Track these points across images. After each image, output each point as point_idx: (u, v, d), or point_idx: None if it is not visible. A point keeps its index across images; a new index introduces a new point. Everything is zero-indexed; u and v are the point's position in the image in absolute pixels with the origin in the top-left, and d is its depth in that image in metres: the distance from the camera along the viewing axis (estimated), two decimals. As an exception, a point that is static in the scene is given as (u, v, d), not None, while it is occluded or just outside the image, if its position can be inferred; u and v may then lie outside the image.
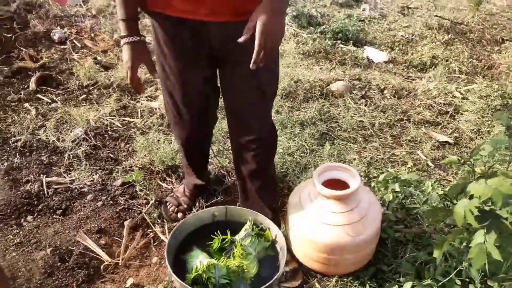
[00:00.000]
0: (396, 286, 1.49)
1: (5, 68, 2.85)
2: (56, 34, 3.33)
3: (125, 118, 2.45)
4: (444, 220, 1.44)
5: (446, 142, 2.43)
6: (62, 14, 3.62)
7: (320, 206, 1.53)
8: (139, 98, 2.65)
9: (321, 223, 1.50)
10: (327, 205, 1.52)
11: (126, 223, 1.73)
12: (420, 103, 2.80)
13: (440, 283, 1.44)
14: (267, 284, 1.22)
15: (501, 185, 1.09)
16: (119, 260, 1.61)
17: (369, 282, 1.53)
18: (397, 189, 1.82)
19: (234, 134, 1.53)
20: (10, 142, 2.19)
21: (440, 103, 2.79)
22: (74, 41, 3.31)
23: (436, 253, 1.34)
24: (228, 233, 1.40)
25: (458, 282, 1.44)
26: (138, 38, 1.28)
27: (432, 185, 1.95)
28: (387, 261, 1.61)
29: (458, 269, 1.43)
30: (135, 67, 1.29)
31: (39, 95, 2.63)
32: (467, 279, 1.44)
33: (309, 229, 1.51)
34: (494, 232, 1.20)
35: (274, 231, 1.45)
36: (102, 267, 1.59)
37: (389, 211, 1.81)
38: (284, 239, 1.41)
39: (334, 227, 1.49)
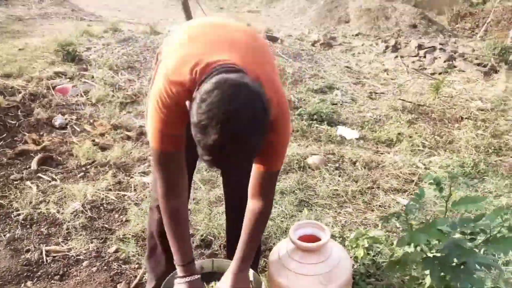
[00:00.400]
0: (369, 332, 1.63)
1: (9, 151, 3.11)
2: (58, 120, 3.66)
3: (119, 192, 2.68)
4: (401, 271, 1.64)
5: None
6: (64, 103, 3.99)
7: (296, 258, 1.72)
8: (133, 174, 2.90)
9: (297, 273, 1.68)
10: (303, 257, 1.71)
11: (119, 286, 1.87)
12: (388, 173, 3.11)
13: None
14: None
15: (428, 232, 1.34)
16: (112, 320, 1.73)
17: (344, 330, 1.66)
18: (366, 245, 2.03)
19: (232, 205, 1.75)
20: (12, 216, 2.37)
21: (406, 173, 3.10)
22: (74, 126, 3.64)
23: None
24: (214, 283, 1.57)
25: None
26: (197, 276, 1.44)
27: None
28: (360, 310, 1.76)
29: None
30: None
31: (40, 174, 2.86)
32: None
33: (287, 280, 1.68)
34: (437, 273, 1.42)
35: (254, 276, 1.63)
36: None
37: (361, 266, 1.99)
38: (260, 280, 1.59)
39: (309, 277, 1.66)
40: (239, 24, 1.49)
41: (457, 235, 1.58)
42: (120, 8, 11.98)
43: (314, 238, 1.79)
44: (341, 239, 2.26)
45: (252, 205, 1.47)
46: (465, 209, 1.57)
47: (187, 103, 1.12)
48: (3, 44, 6.13)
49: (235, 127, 1.02)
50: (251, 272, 1.64)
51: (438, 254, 1.49)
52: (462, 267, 1.45)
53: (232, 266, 1.49)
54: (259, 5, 14.71)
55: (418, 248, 1.49)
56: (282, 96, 1.33)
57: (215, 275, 1.64)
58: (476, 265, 1.47)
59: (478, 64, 6.75)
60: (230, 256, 1.70)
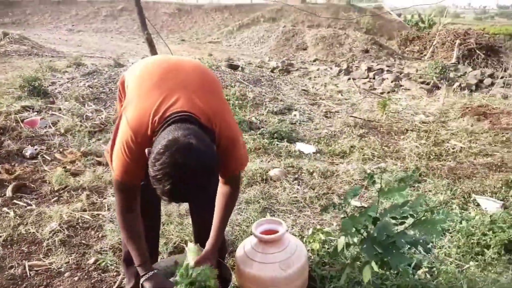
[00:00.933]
0: (324, 308, 1.89)
1: (-17, 181, 3.22)
2: (28, 151, 3.79)
3: (94, 212, 2.85)
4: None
5: (362, 206, 3.02)
6: (33, 135, 4.12)
7: (259, 250, 1.98)
8: (106, 196, 3.08)
9: (260, 262, 1.94)
10: (264, 248, 1.98)
11: (100, 290, 2.05)
12: (342, 180, 3.45)
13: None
14: None
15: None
16: (96, 319, 1.90)
17: (303, 309, 1.92)
18: (322, 239, 2.32)
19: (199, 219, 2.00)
20: (-8, 239, 2.49)
21: (357, 179, 3.46)
22: (45, 155, 3.78)
23: (343, 276, 1.83)
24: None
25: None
26: (153, 271, 1.66)
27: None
28: (317, 292, 2.03)
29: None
30: None
31: (15, 201, 2.98)
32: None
33: (252, 269, 1.93)
34: (371, 251, 1.73)
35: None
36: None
37: (317, 256, 2.27)
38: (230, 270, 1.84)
39: (270, 264, 1.92)
40: (191, 62, 1.75)
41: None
42: (80, 43, 12.15)
43: (273, 233, 2.07)
44: (300, 237, 2.54)
45: (222, 188, 1.78)
46: (392, 198, 1.91)
47: (146, 150, 1.39)
48: (-34, 82, 6.16)
49: (183, 180, 1.30)
50: (221, 264, 1.88)
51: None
52: (392, 246, 1.77)
53: (208, 242, 1.76)
54: (220, 36, 15.29)
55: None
56: (230, 127, 1.62)
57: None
58: (405, 244, 1.79)
59: (422, 82, 7.42)
60: None
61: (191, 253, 1.77)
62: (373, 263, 1.72)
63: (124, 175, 1.55)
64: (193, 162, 1.30)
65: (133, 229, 1.68)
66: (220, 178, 1.75)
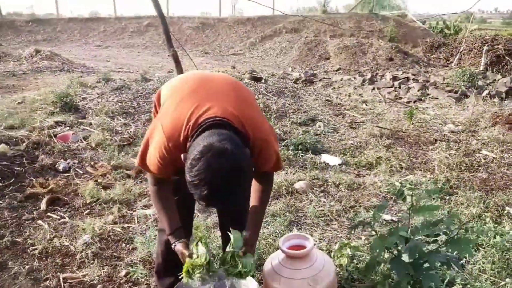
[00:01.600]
0: (354, 325, 1.87)
1: (19, 194, 3.35)
2: (61, 165, 3.93)
3: (124, 224, 2.92)
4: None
5: (392, 220, 2.97)
6: (66, 149, 4.28)
7: (286, 265, 1.98)
8: (135, 208, 3.15)
9: (288, 278, 1.93)
10: (292, 264, 1.97)
11: (132, 303, 2.09)
12: (369, 193, 3.41)
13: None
14: None
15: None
16: (127, 332, 1.94)
17: (333, 325, 1.90)
18: (350, 254, 2.29)
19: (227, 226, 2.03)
20: (28, 250, 2.59)
21: (384, 191, 3.41)
22: (77, 169, 3.90)
23: None
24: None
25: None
26: (183, 240, 1.69)
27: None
28: (346, 308, 2.00)
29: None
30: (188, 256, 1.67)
31: (49, 214, 3.09)
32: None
33: (280, 284, 1.93)
34: (403, 270, 1.70)
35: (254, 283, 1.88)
36: None
37: (345, 272, 2.24)
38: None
39: (298, 280, 1.92)
40: (223, 75, 1.84)
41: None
42: (108, 59, 12.54)
43: (300, 248, 2.06)
44: (327, 251, 2.52)
45: (256, 187, 1.80)
46: (423, 216, 1.88)
47: (182, 156, 1.43)
48: (2, 99, 6.47)
49: (219, 186, 1.35)
50: (253, 282, 1.89)
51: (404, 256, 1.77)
52: (424, 265, 1.73)
53: (247, 234, 1.77)
54: (243, 48, 15.47)
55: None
56: (264, 126, 1.67)
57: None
58: (437, 263, 1.75)
59: (450, 91, 7.26)
60: None
61: (235, 241, 1.74)
62: (404, 283, 1.69)
63: (156, 172, 1.64)
64: (228, 166, 1.34)
65: (165, 200, 1.73)
66: (254, 177, 1.78)
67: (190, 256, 1.62)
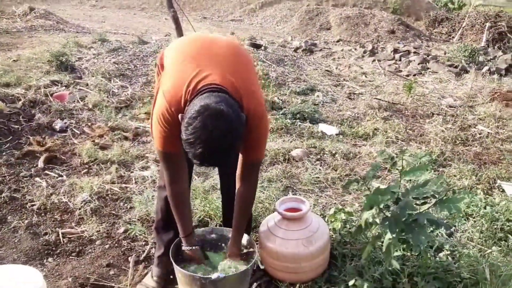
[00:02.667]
0: (343, 285, 1.94)
1: (16, 152, 3.35)
2: (58, 124, 3.91)
3: (122, 185, 2.95)
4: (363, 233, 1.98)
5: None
6: (62, 109, 4.24)
7: (282, 227, 2.03)
8: (133, 170, 3.18)
9: (283, 239, 1.99)
10: (287, 225, 2.03)
11: (130, 258, 2.15)
12: (364, 162, 3.45)
13: (375, 278, 1.91)
14: (245, 268, 1.69)
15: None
16: (127, 285, 2.00)
17: (324, 285, 1.98)
18: (343, 218, 2.35)
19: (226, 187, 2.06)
20: (27, 206, 2.63)
21: (380, 161, 3.45)
22: (74, 129, 3.89)
23: (364, 254, 1.86)
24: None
25: (389, 277, 1.93)
26: (195, 246, 1.85)
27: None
28: (337, 269, 2.07)
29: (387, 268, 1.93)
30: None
31: (47, 171, 3.11)
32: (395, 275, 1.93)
33: (275, 244, 1.99)
34: (394, 228, 1.75)
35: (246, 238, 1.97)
36: (112, 292, 1.97)
37: (338, 235, 2.31)
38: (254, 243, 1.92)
39: (293, 241, 1.98)
40: (225, 40, 1.80)
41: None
42: (104, 19, 12.23)
43: (296, 210, 2.11)
44: (322, 216, 2.57)
45: (239, 188, 1.85)
46: (414, 177, 1.91)
47: (180, 116, 1.48)
48: (-3, 56, 6.34)
49: (214, 144, 1.39)
50: (245, 237, 1.95)
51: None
52: (413, 224, 1.79)
53: (231, 239, 1.90)
54: (242, 14, 15.12)
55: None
56: (259, 104, 1.68)
57: (215, 240, 1.96)
58: (426, 222, 1.80)
59: (450, 66, 7.22)
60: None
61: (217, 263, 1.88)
62: (395, 241, 1.74)
63: (164, 145, 1.64)
64: (223, 126, 1.38)
65: (180, 200, 1.78)
66: (238, 171, 1.80)
67: (198, 262, 1.84)
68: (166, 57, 1.79)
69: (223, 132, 1.39)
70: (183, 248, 1.84)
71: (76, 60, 5.87)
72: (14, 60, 5.93)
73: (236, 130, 1.43)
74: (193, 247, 1.84)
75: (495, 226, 2.48)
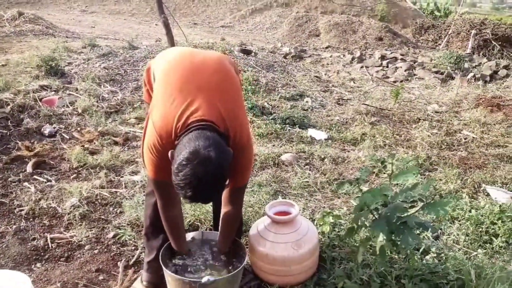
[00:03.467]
0: (333, 287, 1.97)
1: (4, 157, 3.33)
2: (47, 129, 3.89)
3: (112, 189, 2.94)
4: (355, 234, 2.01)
5: (373, 193, 3.07)
6: (51, 114, 4.21)
7: (272, 230, 2.06)
8: (123, 174, 3.18)
9: (273, 242, 2.01)
10: (277, 229, 2.05)
11: (120, 263, 2.14)
12: (353, 167, 3.50)
13: (363, 280, 1.94)
14: (235, 271, 1.71)
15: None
16: (116, 290, 2.00)
17: (313, 287, 2.00)
18: (332, 221, 2.38)
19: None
20: (15, 211, 2.61)
21: (368, 165, 3.50)
22: (63, 134, 3.87)
23: (359, 256, 1.89)
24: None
25: (377, 279, 1.96)
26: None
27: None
28: (326, 272, 2.10)
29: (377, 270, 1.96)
30: None
31: (35, 176, 3.09)
32: (383, 278, 1.96)
33: (265, 248, 2.01)
34: (385, 229, 1.78)
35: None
36: (101, 296, 1.97)
37: (327, 239, 2.34)
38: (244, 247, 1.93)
39: (282, 244, 2.00)
40: (214, 60, 1.79)
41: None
42: (94, 25, 12.18)
43: (286, 214, 2.13)
44: (310, 220, 2.60)
45: (226, 211, 1.90)
46: (403, 181, 1.96)
47: (170, 153, 1.54)
48: (-16, 60, 6.27)
49: (203, 188, 1.48)
50: (237, 242, 1.97)
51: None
52: (403, 226, 1.82)
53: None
54: (232, 20, 15.19)
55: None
56: (244, 134, 1.73)
57: (204, 243, 1.96)
58: (414, 224, 1.84)
59: (436, 72, 7.35)
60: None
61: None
62: (387, 242, 1.77)
63: (156, 173, 1.70)
64: (212, 172, 1.46)
65: (175, 223, 1.85)
66: (224, 194, 1.86)
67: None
68: (154, 73, 1.83)
69: (212, 179, 1.48)
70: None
71: (66, 65, 5.84)
72: (2, 65, 5.87)
73: (224, 174, 1.53)
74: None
75: (480, 229, 2.54)
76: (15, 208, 2.64)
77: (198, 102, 1.61)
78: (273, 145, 3.83)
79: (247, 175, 1.86)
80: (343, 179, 3.28)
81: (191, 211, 2.59)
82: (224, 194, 1.86)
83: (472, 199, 2.97)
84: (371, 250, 2.17)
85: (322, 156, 3.63)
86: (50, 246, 2.30)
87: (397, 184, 2.66)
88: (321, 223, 2.44)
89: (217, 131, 1.58)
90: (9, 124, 3.93)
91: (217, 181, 1.50)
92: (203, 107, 1.60)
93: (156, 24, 13.05)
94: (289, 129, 4.26)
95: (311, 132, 4.24)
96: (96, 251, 2.27)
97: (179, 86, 1.67)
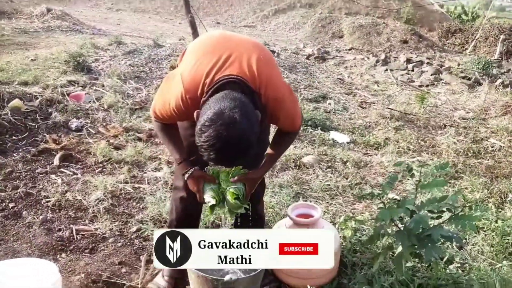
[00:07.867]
0: (354, 292, 1.95)
1: (32, 149, 3.42)
2: (74, 123, 3.98)
3: (135, 185, 2.99)
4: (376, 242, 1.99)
5: (396, 199, 3.03)
6: (78, 108, 4.31)
7: (293, 232, 2.05)
8: (146, 170, 3.22)
9: (294, 244, 2.00)
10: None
11: (142, 256, 2.18)
12: (375, 172, 3.46)
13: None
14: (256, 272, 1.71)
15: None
16: (138, 284, 2.03)
17: (333, 292, 1.99)
18: (354, 226, 2.36)
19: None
20: (42, 202, 2.68)
21: (391, 171, 3.45)
22: (89, 129, 3.96)
23: (376, 264, 1.86)
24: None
25: (399, 287, 1.93)
26: (194, 167, 1.74)
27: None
28: (347, 277, 2.08)
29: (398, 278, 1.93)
30: (201, 190, 1.74)
31: (62, 169, 3.17)
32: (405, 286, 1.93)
33: (286, 249, 2.01)
34: (406, 242, 1.76)
35: None
36: (124, 289, 2.01)
37: (349, 243, 2.32)
38: None
39: (304, 246, 1.99)
40: (246, 36, 1.88)
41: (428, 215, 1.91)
42: (119, 22, 12.40)
43: (307, 217, 2.13)
44: (332, 224, 2.59)
45: (279, 132, 1.87)
46: (430, 191, 1.92)
47: (195, 113, 1.51)
48: (15, 55, 6.47)
49: (226, 151, 1.44)
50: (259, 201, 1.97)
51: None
52: (427, 239, 1.79)
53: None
54: (255, 20, 15.22)
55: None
56: (278, 87, 1.68)
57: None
58: (439, 238, 1.81)
59: (463, 77, 7.19)
60: None
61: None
62: (407, 254, 1.75)
63: (162, 117, 1.71)
64: (236, 137, 1.43)
65: (170, 133, 1.80)
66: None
67: (210, 180, 1.72)
68: (187, 52, 1.81)
69: (236, 143, 1.44)
70: (186, 177, 1.76)
71: (93, 61, 5.97)
72: (31, 60, 6.04)
73: (248, 139, 1.47)
74: (194, 168, 1.74)
75: (506, 241, 2.47)
76: (42, 199, 2.71)
77: (230, 59, 1.60)
78: (295, 147, 3.82)
79: (296, 121, 1.81)
80: (365, 183, 3.24)
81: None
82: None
83: (499, 209, 2.89)
84: (393, 258, 2.14)
85: (344, 160, 3.60)
86: (75, 237, 2.36)
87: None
88: (343, 227, 2.43)
89: (246, 88, 1.55)
90: (38, 117, 4.03)
91: (241, 143, 1.45)
92: (233, 63, 1.59)
93: (179, 23, 13.20)
94: (311, 131, 4.24)
95: (333, 134, 4.21)
96: (119, 244, 2.32)
97: (213, 45, 1.69)
